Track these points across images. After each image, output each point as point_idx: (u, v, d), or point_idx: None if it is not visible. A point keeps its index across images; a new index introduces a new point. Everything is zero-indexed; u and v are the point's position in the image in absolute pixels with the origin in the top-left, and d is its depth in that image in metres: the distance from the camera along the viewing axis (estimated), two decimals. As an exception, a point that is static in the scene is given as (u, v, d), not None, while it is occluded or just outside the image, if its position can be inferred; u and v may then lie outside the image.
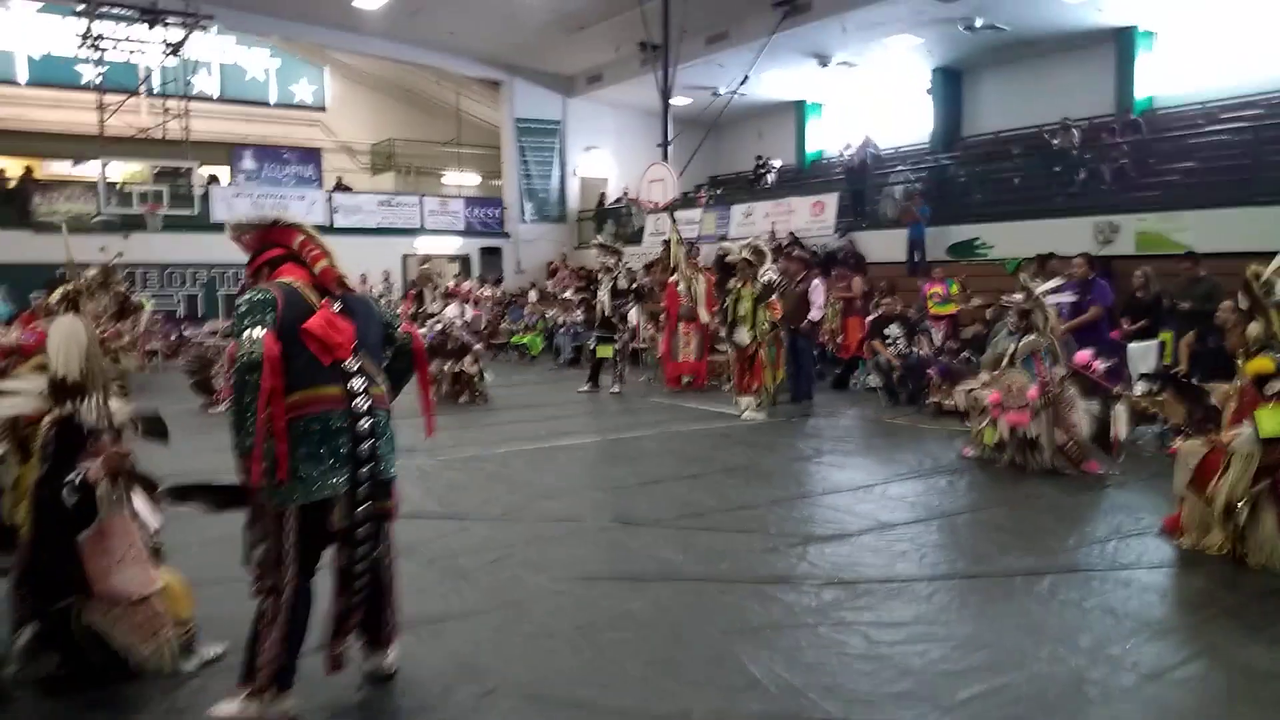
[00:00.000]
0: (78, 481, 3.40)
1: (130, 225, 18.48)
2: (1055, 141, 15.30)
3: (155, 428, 4.02)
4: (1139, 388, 7.82)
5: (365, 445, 3.24)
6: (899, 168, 18.31)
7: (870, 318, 11.38)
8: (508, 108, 23.67)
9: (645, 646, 3.80)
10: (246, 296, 3.18)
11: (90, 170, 18.49)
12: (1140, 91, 16.41)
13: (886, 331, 10.61)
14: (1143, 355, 9.21)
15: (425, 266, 14.99)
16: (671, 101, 19.75)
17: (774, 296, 9.58)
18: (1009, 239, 14.07)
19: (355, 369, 3.24)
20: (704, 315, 11.56)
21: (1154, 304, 9.95)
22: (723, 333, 10.19)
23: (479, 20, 19.91)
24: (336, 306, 3.26)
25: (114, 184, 18.54)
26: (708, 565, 4.79)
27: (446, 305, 14.33)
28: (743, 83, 18.91)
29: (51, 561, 3.48)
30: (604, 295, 11.43)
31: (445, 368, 10.76)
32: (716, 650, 3.75)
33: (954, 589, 4.42)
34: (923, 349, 10.31)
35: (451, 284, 19.65)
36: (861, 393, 11.40)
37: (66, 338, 3.60)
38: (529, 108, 23.58)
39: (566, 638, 3.91)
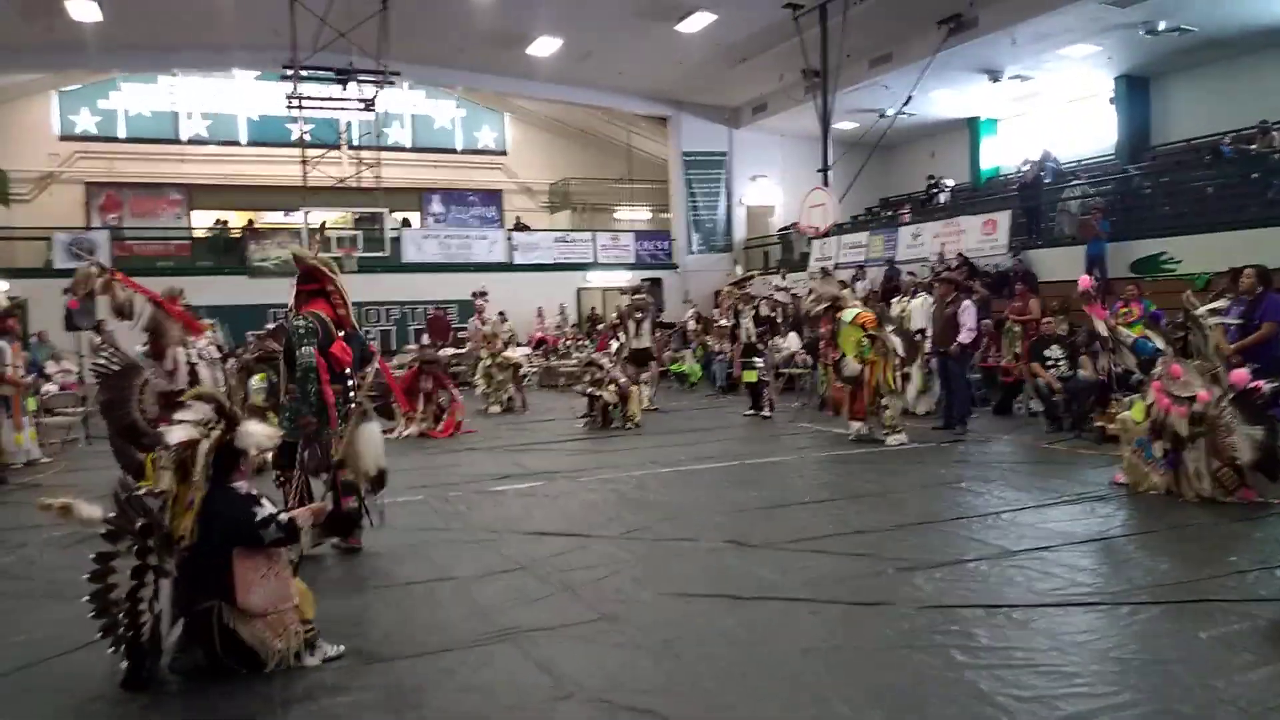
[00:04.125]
0: (284, 520, 3.93)
1: (331, 268, 20.23)
2: (1253, 147, 14.14)
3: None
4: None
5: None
6: (1074, 182, 17.35)
7: (1030, 339, 10.89)
8: (675, 142, 24.26)
9: (724, 662, 3.90)
10: (303, 322, 5.20)
11: (298, 218, 20.43)
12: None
13: (1047, 353, 10.13)
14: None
15: (638, 297, 13.96)
16: (837, 125, 19.73)
17: (857, 311, 9.35)
18: (1199, 253, 13.09)
19: (349, 374, 5.33)
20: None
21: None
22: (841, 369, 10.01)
23: (645, 59, 20.61)
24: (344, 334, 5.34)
25: (315, 230, 20.39)
26: (807, 587, 4.81)
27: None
28: (906, 103, 18.61)
29: (207, 568, 3.96)
30: (747, 322, 11.57)
31: (592, 392, 11.21)
32: (793, 668, 3.80)
33: (1057, 616, 4.25)
34: (1087, 371, 9.76)
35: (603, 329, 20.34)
36: (1024, 418, 10.90)
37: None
38: (695, 141, 24.08)
39: (651, 650, 4.06)
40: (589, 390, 11.49)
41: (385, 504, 4.37)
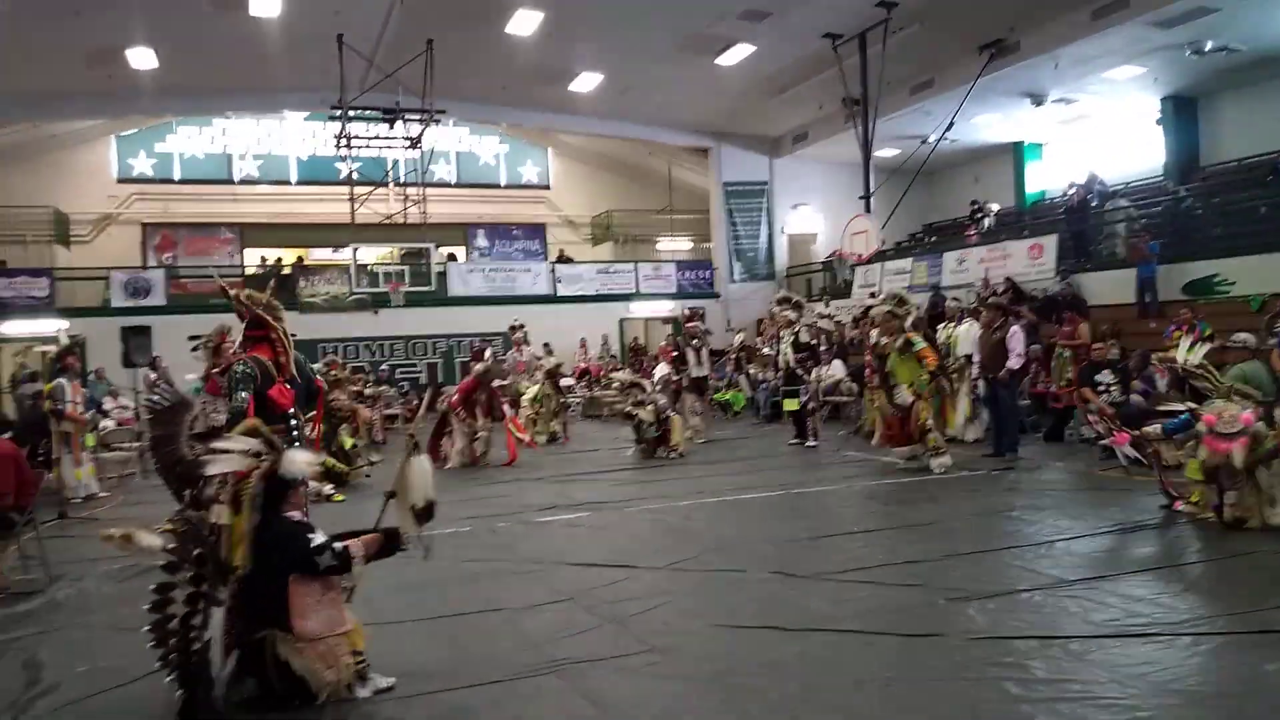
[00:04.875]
0: (339, 549, 4.01)
1: (379, 302, 20.61)
2: (1307, 165, 13.86)
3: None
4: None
5: None
6: (1122, 204, 17.10)
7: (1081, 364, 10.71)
8: (716, 172, 24.37)
9: (774, 693, 3.87)
10: (240, 368, 5.49)
11: (346, 255, 20.83)
12: None
13: (1098, 378, 9.94)
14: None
15: (692, 324, 13.81)
16: (878, 152, 19.67)
17: (921, 346, 9.25)
18: (1253, 274, 12.82)
19: (293, 413, 5.64)
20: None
21: None
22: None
23: (685, 92, 20.79)
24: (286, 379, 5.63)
25: (364, 266, 20.79)
26: (858, 618, 4.76)
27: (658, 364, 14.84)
28: (949, 129, 18.51)
29: (262, 595, 4.03)
30: (786, 349, 11.50)
31: (630, 411, 11.29)
32: (845, 701, 3.76)
33: (1114, 647, 4.16)
34: (1138, 396, 9.57)
35: (663, 345, 20.39)
36: (1076, 445, 10.71)
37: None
38: (736, 171, 24.17)
39: (700, 681, 4.04)
40: (629, 409, 11.54)
41: (431, 536, 4.41)
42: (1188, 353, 10.58)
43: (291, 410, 5.67)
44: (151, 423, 6.11)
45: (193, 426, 6.19)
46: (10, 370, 16.30)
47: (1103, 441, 9.87)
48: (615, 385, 13.28)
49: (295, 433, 5.62)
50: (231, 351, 7.42)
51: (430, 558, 4.35)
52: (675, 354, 13.86)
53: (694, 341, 13.47)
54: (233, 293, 5.96)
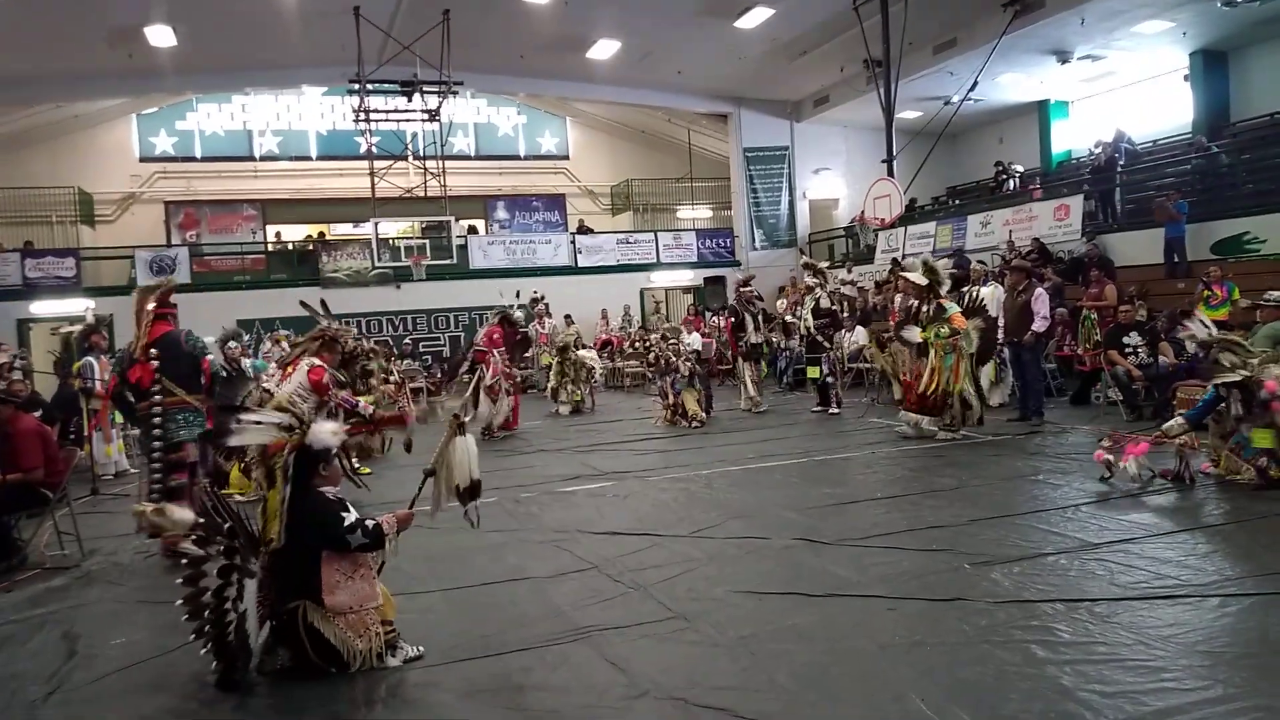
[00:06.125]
0: (370, 526, 4.05)
1: (401, 276, 20.70)
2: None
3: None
4: None
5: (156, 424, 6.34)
6: (1147, 162, 16.80)
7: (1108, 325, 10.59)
8: (736, 138, 24.16)
9: (801, 658, 3.88)
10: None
11: (368, 229, 20.88)
12: None
13: (1125, 340, 9.84)
14: None
15: (747, 289, 13.00)
16: (900, 114, 19.41)
17: (954, 310, 9.06)
18: (1285, 231, 12.60)
19: (155, 390, 6.32)
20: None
21: None
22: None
23: (704, 57, 20.57)
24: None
25: (385, 240, 20.83)
26: (883, 583, 4.76)
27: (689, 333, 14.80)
28: (972, 88, 18.21)
29: (295, 569, 4.09)
30: (806, 314, 11.40)
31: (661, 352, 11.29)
32: (870, 665, 3.77)
33: (1141, 609, 4.14)
34: (1168, 358, 9.45)
35: (690, 314, 20.40)
36: (1103, 407, 10.61)
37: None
38: (756, 136, 23.95)
39: (727, 647, 4.06)
40: (663, 350, 11.47)
41: (479, 506, 4.48)
42: (1208, 312, 10.50)
43: (153, 387, 6.32)
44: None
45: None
46: (46, 349, 16.50)
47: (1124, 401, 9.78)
48: (658, 336, 13.14)
49: (154, 408, 6.29)
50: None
51: (479, 526, 4.41)
52: (734, 320, 13.09)
53: (749, 307, 12.71)
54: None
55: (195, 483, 6.37)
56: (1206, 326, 7.12)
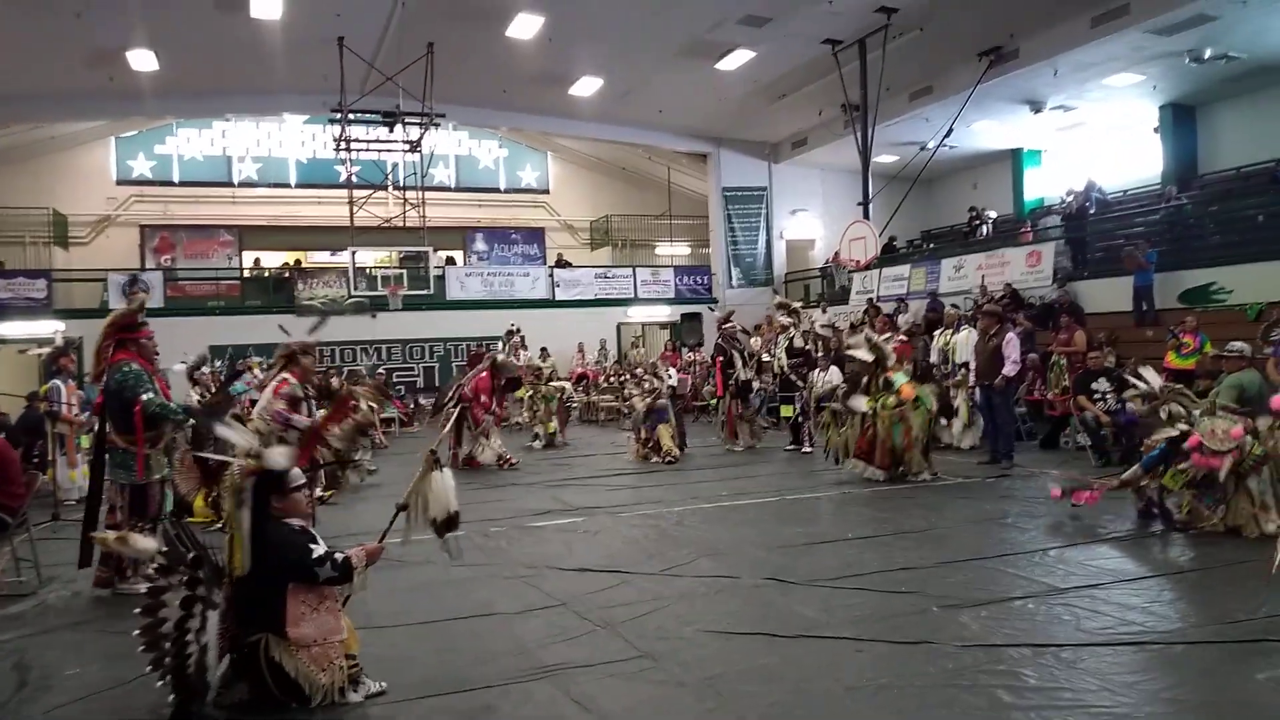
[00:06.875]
0: (340, 559, 3.99)
1: (377, 306, 20.61)
2: (1305, 174, 13.89)
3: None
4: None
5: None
6: (1117, 212, 17.14)
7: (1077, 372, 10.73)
8: (715, 177, 24.41)
9: (767, 699, 3.86)
10: (135, 368, 6.10)
11: (345, 258, 20.81)
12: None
13: (1094, 386, 9.96)
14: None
15: (727, 326, 12.75)
16: (877, 158, 19.69)
17: (907, 385, 9.15)
18: (1250, 283, 12.87)
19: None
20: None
21: None
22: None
23: (685, 97, 20.81)
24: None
25: (363, 269, 20.78)
26: (852, 625, 4.76)
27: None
28: (947, 135, 18.53)
29: (258, 600, 4.01)
30: (780, 354, 11.47)
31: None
32: (837, 706, 3.76)
33: (1107, 656, 4.15)
34: (1136, 405, 9.56)
35: (666, 350, 20.45)
36: (1071, 452, 10.71)
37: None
38: (735, 176, 24.21)
39: (693, 687, 4.03)
40: (643, 383, 11.49)
41: (457, 537, 4.44)
42: (1178, 361, 10.64)
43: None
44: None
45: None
46: (12, 370, 16.24)
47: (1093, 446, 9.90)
48: (636, 373, 13.16)
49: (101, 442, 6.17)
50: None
51: (458, 558, 4.37)
52: (723, 359, 12.69)
53: (734, 343, 12.52)
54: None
55: (120, 524, 5.97)
56: (1150, 382, 7.28)
